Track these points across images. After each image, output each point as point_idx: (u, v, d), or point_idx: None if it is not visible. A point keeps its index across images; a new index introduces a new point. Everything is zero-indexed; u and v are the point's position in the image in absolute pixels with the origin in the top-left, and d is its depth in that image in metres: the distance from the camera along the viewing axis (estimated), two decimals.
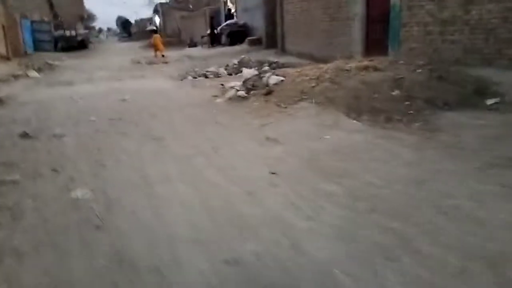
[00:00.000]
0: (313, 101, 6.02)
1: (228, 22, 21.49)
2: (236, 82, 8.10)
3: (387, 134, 4.66)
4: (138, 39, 41.99)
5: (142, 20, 67.01)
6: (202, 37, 24.45)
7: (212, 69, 12.70)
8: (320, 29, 14.00)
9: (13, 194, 3.68)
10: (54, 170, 4.30)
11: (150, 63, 17.69)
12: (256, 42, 20.07)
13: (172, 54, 20.82)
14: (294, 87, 6.62)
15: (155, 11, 50.82)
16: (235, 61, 13.39)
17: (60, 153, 5.00)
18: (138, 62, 17.89)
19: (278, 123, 5.57)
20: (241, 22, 21.43)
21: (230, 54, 18.67)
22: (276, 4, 18.69)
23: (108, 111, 7.16)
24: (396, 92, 5.53)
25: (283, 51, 17.26)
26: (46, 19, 31.75)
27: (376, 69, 6.37)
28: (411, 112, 5.14)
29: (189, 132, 5.70)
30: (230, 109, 6.73)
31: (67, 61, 20.36)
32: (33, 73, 13.75)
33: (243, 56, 13.68)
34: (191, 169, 4.15)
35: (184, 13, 36.17)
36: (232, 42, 21.13)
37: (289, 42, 17.04)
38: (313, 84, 6.45)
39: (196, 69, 12.72)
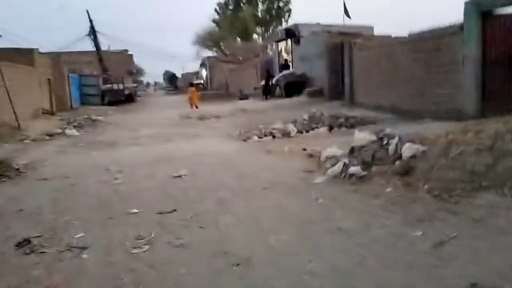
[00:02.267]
0: (509, 192, 3.42)
1: (284, 72, 19.66)
2: (332, 149, 5.65)
3: None
4: (184, 92, 41.45)
5: (188, 73, 68.03)
6: (255, 89, 22.73)
7: (278, 126, 10.42)
8: (406, 77, 11.57)
9: None
10: None
11: (201, 118, 15.81)
12: (317, 94, 17.92)
13: (223, 107, 19.02)
14: (453, 164, 4.05)
15: (202, 64, 50.90)
16: (305, 116, 11.09)
17: None
18: (188, 117, 16.06)
19: (464, 241, 2.98)
20: (298, 72, 19.51)
21: (289, 107, 16.57)
22: (341, 51, 16.69)
23: (157, 196, 4.85)
24: None
25: (352, 103, 14.90)
26: (95, 73, 31.63)
27: None
28: None
29: (295, 250, 3.20)
30: (346, 199, 4.22)
31: (112, 116, 19.00)
32: (72, 131, 12.07)
33: (313, 110, 11.38)
34: None
35: (233, 65, 35.21)
36: (288, 94, 19.10)
37: (360, 93, 14.69)
38: (488, 160, 3.86)
39: (260, 126, 10.47)
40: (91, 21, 35.16)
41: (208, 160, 6.58)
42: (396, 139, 4.76)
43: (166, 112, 19.90)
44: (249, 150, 7.53)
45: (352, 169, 4.62)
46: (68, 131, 12.03)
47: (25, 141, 10.61)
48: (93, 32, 35.53)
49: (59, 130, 12.22)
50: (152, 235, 3.69)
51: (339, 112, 11.68)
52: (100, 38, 35.77)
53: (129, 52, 46.84)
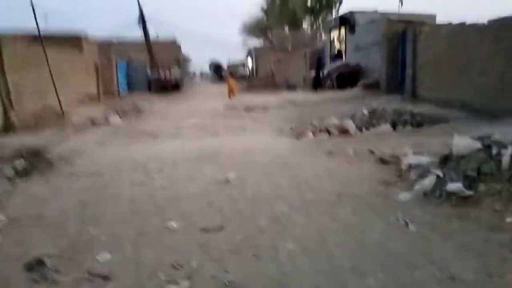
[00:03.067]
0: None
1: (337, 63, 18.37)
2: (417, 156, 4.54)
3: None
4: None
5: (234, 63, 67.52)
6: (304, 79, 21.56)
7: (334, 121, 9.33)
8: (482, 70, 10.07)
9: None
10: None
11: (248, 109, 14.94)
12: (372, 86, 16.51)
13: (270, 98, 18.09)
14: None
15: (248, 53, 50.11)
16: (365, 111, 9.89)
17: None
18: (234, 108, 15.25)
19: None
20: (352, 63, 18.14)
21: (342, 100, 15.32)
22: (402, 40, 15.19)
23: (200, 206, 3.99)
24: None
25: (414, 97, 13.43)
26: (143, 60, 31.62)
27: None
28: None
29: None
30: (450, 228, 3.15)
31: (157, 105, 18.57)
32: (115, 120, 11.58)
33: (374, 105, 10.15)
34: None
35: (280, 55, 34.07)
36: (340, 86, 17.82)
37: (425, 87, 13.19)
38: None
39: (314, 122, 9.42)
40: (140, 8, 35.17)
41: (258, 160, 5.64)
42: (511, 149, 3.59)
43: (211, 102, 19.25)
44: (304, 149, 6.52)
45: (452, 186, 3.52)
46: (111, 119, 11.55)
47: (67, 128, 10.22)
48: (142, 20, 35.55)
49: (103, 118, 11.78)
50: (193, 265, 2.83)
51: (403, 108, 10.36)
52: (148, 25, 35.72)
53: (177, 42, 46.85)
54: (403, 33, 15.39)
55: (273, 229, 3.39)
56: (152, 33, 36.32)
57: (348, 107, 13.19)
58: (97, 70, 19.08)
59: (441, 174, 3.77)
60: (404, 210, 3.55)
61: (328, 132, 8.67)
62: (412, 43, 13.88)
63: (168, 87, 29.02)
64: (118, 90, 23.26)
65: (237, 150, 6.47)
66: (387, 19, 16.35)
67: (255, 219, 3.59)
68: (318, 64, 20.59)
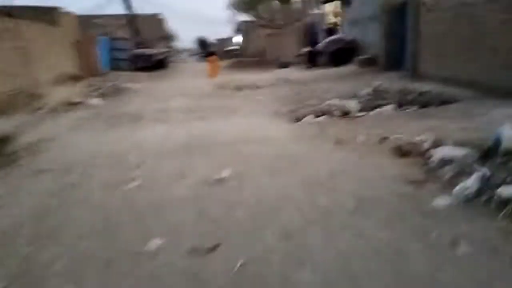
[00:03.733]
0: None
1: (331, 38, 17.42)
2: (448, 148, 3.79)
3: None
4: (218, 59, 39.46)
5: (222, 39, 65.73)
6: (298, 56, 20.58)
7: (334, 101, 8.56)
8: (493, 45, 9.29)
9: None
10: None
11: (239, 88, 14.04)
12: (369, 63, 15.71)
13: (261, 76, 17.17)
14: None
15: (237, 29, 48.55)
16: (368, 90, 9.11)
17: None
18: (224, 87, 14.32)
19: None
20: (348, 38, 17.22)
21: (338, 78, 14.52)
22: (401, 13, 14.30)
23: (189, 215, 3.20)
24: None
25: (416, 75, 12.65)
26: (126, 36, 30.18)
27: None
28: None
29: None
30: (510, 251, 2.44)
31: (142, 83, 17.52)
32: (94, 101, 10.62)
33: (378, 83, 9.35)
34: None
35: (271, 31, 32.82)
36: (336, 63, 16.95)
37: (428, 63, 12.39)
38: None
39: (312, 102, 8.63)
40: None
41: (257, 152, 4.84)
42: None
43: (198, 81, 18.25)
44: (307, 136, 5.71)
45: (508, 191, 2.79)
46: (90, 101, 10.59)
47: (41, 111, 9.26)
48: None
49: (81, 99, 10.80)
50: None
51: (408, 87, 9.60)
52: (132, 0, 34.02)
53: (161, 16, 45.02)
54: (402, 5, 14.49)
55: (283, 250, 2.64)
56: (135, 9, 34.70)
57: (346, 85, 12.41)
58: (77, 47, 17.85)
59: (487, 173, 3.03)
60: (446, 222, 2.82)
61: (329, 114, 7.91)
62: (413, 16, 13.00)
63: (153, 64, 27.77)
64: (100, 68, 22.01)
65: (231, 137, 5.65)
66: None
67: (259, 235, 2.83)
68: (312, 39, 19.60)
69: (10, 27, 9.86)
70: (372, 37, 15.92)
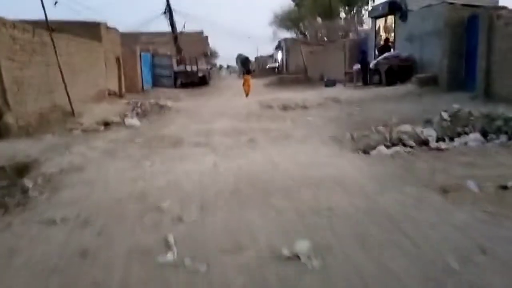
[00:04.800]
0: None
1: (386, 54, 16.06)
2: None
3: None
4: (258, 76, 38.85)
5: (262, 57, 65.42)
6: (346, 74, 19.29)
7: (403, 127, 7.21)
8: None
9: None
10: None
11: (285, 108, 12.94)
12: (429, 82, 14.16)
13: (307, 95, 16.01)
14: None
15: (278, 46, 47.88)
16: (444, 115, 7.70)
17: None
18: (269, 106, 13.26)
19: None
20: (403, 54, 15.78)
21: (394, 97, 13.09)
22: (468, 28, 12.81)
23: None
24: None
25: (488, 96, 11.05)
26: (169, 53, 30.03)
27: None
28: None
29: None
30: None
31: (183, 101, 16.81)
32: (132, 121, 9.81)
33: (456, 107, 7.91)
34: None
35: (314, 47, 31.77)
36: (390, 81, 15.53)
37: (503, 83, 10.79)
38: None
39: (380, 128, 7.34)
40: None
41: (335, 204, 3.51)
42: None
43: (241, 99, 17.34)
44: (391, 176, 4.41)
45: None
46: (128, 121, 9.79)
47: (74, 131, 8.52)
48: (169, 10, 33.98)
49: (118, 119, 10.04)
50: None
51: (493, 111, 8.09)
52: (175, 16, 34.12)
53: (205, 34, 45.09)
54: (471, 19, 12.99)
55: None
56: (178, 26, 34.77)
57: (407, 107, 11.02)
58: (119, 63, 17.49)
59: None
60: None
61: (403, 143, 6.60)
62: (486, 31, 11.47)
63: (195, 81, 27.35)
64: (142, 85, 21.65)
65: (291, 177, 4.46)
66: (448, 3, 13.91)
67: None
68: (361, 56, 18.29)
69: (47, 41, 9.27)
70: (431, 54, 14.44)
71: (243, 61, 70.84)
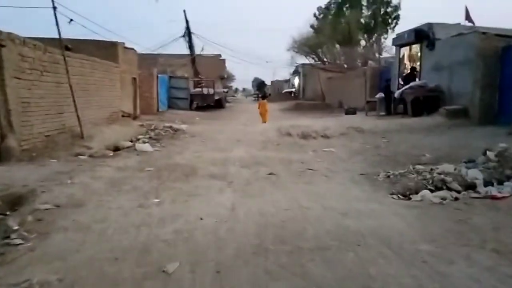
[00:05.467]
0: None
1: (412, 84, 15.32)
2: None
3: None
4: (274, 100, 38.43)
5: (278, 81, 65.40)
6: (367, 102, 18.57)
7: (448, 169, 6.37)
8: None
9: None
10: None
11: (304, 136, 12.24)
12: (459, 114, 13.31)
13: (327, 123, 15.24)
14: None
15: (295, 71, 47.62)
16: (490, 155, 6.86)
17: None
18: (288, 134, 12.57)
19: None
20: (430, 84, 15.03)
21: (421, 129, 12.24)
22: (502, 58, 12.06)
23: None
24: None
25: None
26: (186, 75, 29.84)
27: None
28: None
29: None
30: None
31: (198, 125, 16.24)
32: (143, 146, 9.20)
33: (503, 146, 7.07)
34: None
35: (332, 74, 31.24)
36: (416, 112, 14.73)
37: None
38: None
39: (418, 167, 6.55)
40: (187, 21, 33.77)
41: (390, 277, 2.73)
42: None
43: (258, 124, 16.70)
44: (452, 238, 3.59)
45: None
46: (139, 146, 9.18)
47: (81, 156, 7.92)
48: (188, 33, 34.09)
49: (129, 143, 9.44)
50: None
51: None
52: (193, 39, 34.20)
53: (222, 57, 45.15)
54: (505, 50, 12.26)
55: None
56: (197, 47, 34.80)
57: (437, 140, 10.20)
58: (135, 84, 17.11)
59: None
60: None
61: (446, 186, 5.78)
62: None
63: (211, 103, 26.98)
64: (158, 106, 21.24)
65: (326, 229, 3.67)
66: (481, 32, 13.21)
67: None
68: (384, 85, 17.60)
69: (59, 59, 8.80)
70: (461, 85, 13.65)
71: (259, 85, 70.86)
